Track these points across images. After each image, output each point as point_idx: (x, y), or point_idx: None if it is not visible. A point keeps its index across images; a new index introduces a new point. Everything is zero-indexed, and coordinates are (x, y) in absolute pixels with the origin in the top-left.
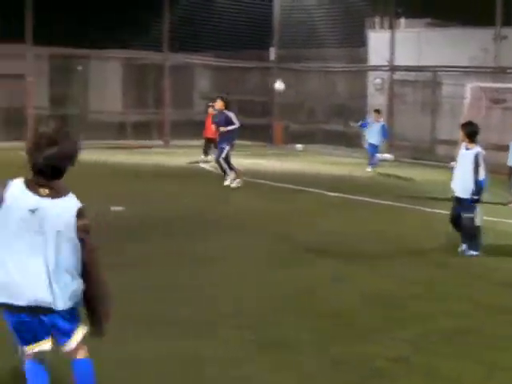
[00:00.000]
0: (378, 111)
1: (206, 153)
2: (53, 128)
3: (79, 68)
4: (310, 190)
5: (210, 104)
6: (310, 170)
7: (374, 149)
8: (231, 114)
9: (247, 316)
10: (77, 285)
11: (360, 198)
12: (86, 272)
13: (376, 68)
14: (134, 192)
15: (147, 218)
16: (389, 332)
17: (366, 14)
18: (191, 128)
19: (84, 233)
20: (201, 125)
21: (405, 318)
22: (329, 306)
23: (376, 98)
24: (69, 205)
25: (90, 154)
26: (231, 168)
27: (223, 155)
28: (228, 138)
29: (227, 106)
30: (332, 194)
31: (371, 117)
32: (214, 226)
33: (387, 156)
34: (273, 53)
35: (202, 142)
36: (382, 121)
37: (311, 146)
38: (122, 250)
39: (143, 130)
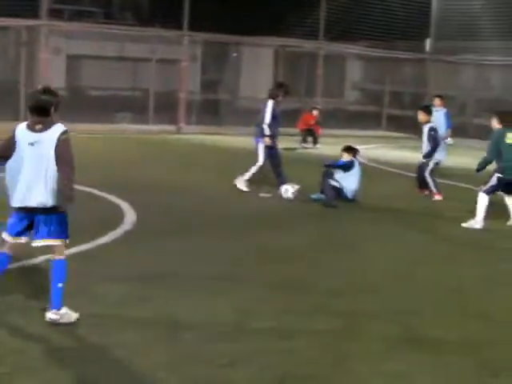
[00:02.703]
0: (440, 97)
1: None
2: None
3: (234, 55)
4: (462, 185)
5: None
6: (460, 164)
7: None
8: None
9: (397, 311)
10: None
11: None
12: None
13: None
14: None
15: (289, 205)
16: None
17: None
18: (341, 117)
19: None
20: (352, 114)
21: None
22: (480, 306)
23: None
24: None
25: (238, 140)
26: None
27: None
28: None
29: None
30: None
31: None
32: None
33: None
34: (429, 44)
35: (349, 132)
36: (444, 108)
37: (461, 141)
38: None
39: (293, 118)
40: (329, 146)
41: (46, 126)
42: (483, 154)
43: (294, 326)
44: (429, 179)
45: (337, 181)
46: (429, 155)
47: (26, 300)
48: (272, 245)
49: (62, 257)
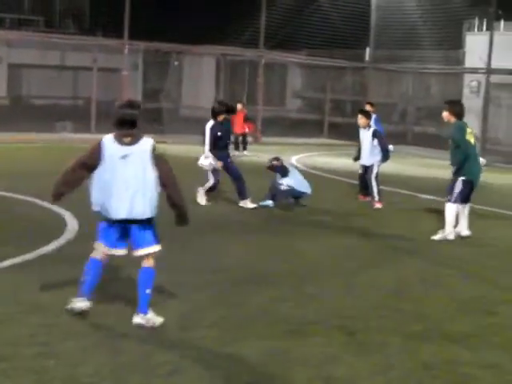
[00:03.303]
0: (370, 104)
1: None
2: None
3: (176, 63)
4: (402, 191)
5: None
6: (404, 172)
7: None
8: None
9: (339, 316)
10: None
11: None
12: None
13: (472, 70)
14: (222, 187)
15: (226, 214)
16: (479, 338)
17: (464, 16)
18: (283, 125)
19: None
20: (293, 122)
21: (496, 324)
22: (419, 309)
23: (471, 101)
24: None
25: (181, 149)
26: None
27: None
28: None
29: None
30: (424, 196)
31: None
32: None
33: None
34: (368, 53)
35: (291, 140)
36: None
37: (401, 147)
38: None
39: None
40: (269, 154)
41: (135, 139)
42: (421, 160)
43: (235, 333)
44: (373, 183)
45: (282, 184)
46: (385, 158)
47: None
48: (215, 252)
49: (151, 265)
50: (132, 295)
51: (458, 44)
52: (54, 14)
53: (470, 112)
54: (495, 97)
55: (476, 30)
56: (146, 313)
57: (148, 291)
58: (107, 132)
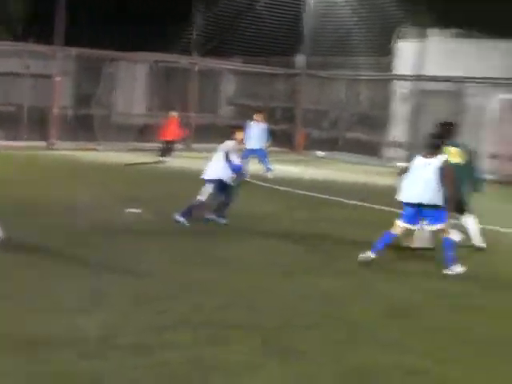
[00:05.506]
0: (259, 111)
1: (164, 154)
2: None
3: (110, 70)
4: (332, 198)
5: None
6: (331, 177)
7: (259, 153)
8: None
9: (259, 324)
10: None
11: (382, 208)
12: None
13: (401, 77)
14: (153, 194)
15: (161, 220)
16: (406, 343)
17: (396, 24)
18: (215, 132)
19: None
20: (225, 129)
21: (424, 330)
22: (347, 315)
23: (400, 108)
24: None
25: (111, 156)
26: None
27: None
28: None
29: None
30: (351, 202)
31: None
32: (232, 231)
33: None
34: (301, 59)
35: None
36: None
37: (332, 154)
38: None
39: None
40: (201, 161)
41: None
42: (351, 167)
43: (159, 340)
44: None
45: None
46: None
47: None
48: (138, 261)
49: (447, 236)
50: (41, 303)
51: (389, 51)
52: None
53: (399, 118)
54: (424, 104)
55: (407, 37)
56: (450, 265)
57: (450, 253)
58: (39, 139)
